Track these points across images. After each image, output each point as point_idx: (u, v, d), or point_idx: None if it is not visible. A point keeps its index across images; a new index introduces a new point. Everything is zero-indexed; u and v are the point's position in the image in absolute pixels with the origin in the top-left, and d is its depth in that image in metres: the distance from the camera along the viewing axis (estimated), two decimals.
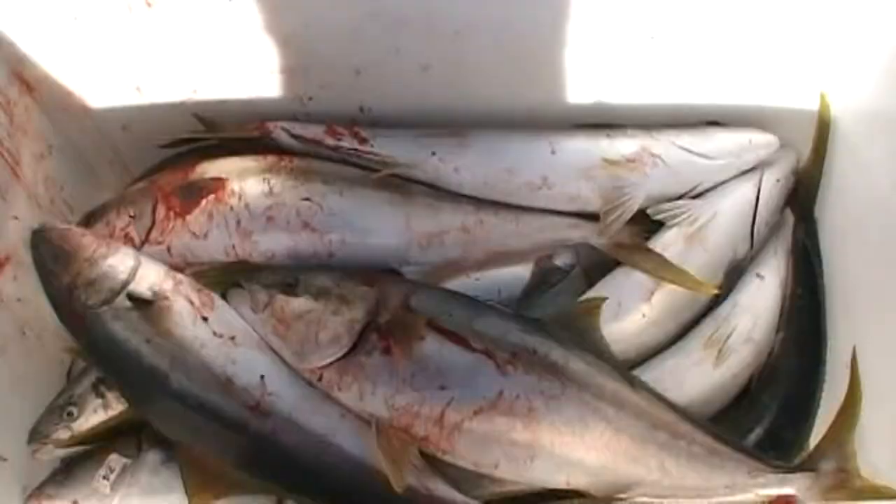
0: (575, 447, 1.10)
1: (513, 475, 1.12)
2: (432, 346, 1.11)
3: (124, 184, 1.41)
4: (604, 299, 1.22)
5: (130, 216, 1.26)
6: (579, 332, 1.19)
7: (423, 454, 1.13)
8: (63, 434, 1.24)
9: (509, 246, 1.32)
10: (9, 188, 1.24)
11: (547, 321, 1.19)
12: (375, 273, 1.23)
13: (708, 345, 1.28)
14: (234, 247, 1.24)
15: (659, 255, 1.30)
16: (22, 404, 1.25)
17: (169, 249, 1.24)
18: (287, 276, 1.18)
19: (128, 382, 1.17)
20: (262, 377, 1.14)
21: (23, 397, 1.25)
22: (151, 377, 1.13)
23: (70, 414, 1.24)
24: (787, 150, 1.41)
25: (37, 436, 1.24)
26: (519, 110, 1.35)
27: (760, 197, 1.37)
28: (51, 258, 1.17)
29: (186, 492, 1.12)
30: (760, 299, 1.33)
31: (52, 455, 1.25)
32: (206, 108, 1.35)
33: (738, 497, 1.16)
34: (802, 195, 1.41)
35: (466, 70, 1.31)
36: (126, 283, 1.15)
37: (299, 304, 1.15)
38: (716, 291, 1.31)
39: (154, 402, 1.15)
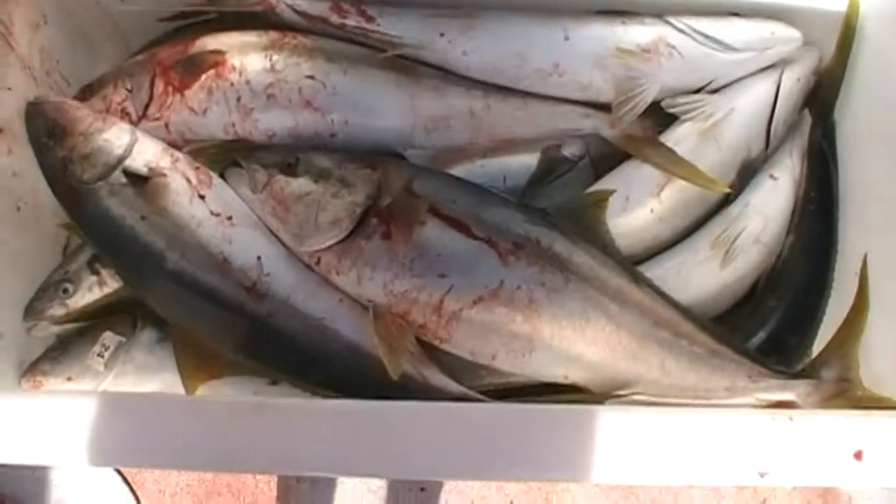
0: (575, 341, 1.09)
1: (510, 367, 1.11)
2: (433, 232, 1.09)
3: (123, 58, 1.36)
4: (611, 192, 1.19)
5: (128, 90, 1.22)
6: (585, 224, 1.16)
7: (420, 342, 1.11)
8: (58, 311, 1.23)
9: (517, 133, 1.27)
10: (2, 58, 1.20)
11: (552, 212, 1.16)
12: (378, 156, 1.20)
13: (716, 244, 1.25)
14: (233, 124, 1.21)
15: (670, 150, 1.26)
16: (17, 280, 1.23)
17: (167, 126, 1.21)
18: (287, 156, 1.15)
19: (122, 260, 1.15)
20: (259, 258, 1.12)
21: (18, 273, 1.23)
22: (146, 255, 1.11)
23: (65, 291, 1.23)
24: (810, 48, 1.35)
25: (32, 312, 1.23)
26: None
27: (779, 95, 1.32)
28: (45, 131, 1.15)
29: (181, 372, 1.11)
30: (772, 201, 1.29)
31: (47, 331, 1.24)
32: None
33: (738, 400, 1.15)
34: (822, 96, 1.36)
35: None
36: (122, 159, 1.13)
37: (299, 185, 1.12)
38: (727, 190, 1.27)
39: (149, 280, 1.13)
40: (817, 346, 1.23)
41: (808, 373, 1.17)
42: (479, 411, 0.99)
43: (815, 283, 1.28)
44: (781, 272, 1.29)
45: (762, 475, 0.90)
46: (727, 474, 0.91)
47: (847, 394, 1.14)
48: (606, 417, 0.93)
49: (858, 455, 0.91)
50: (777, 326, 1.26)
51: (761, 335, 1.25)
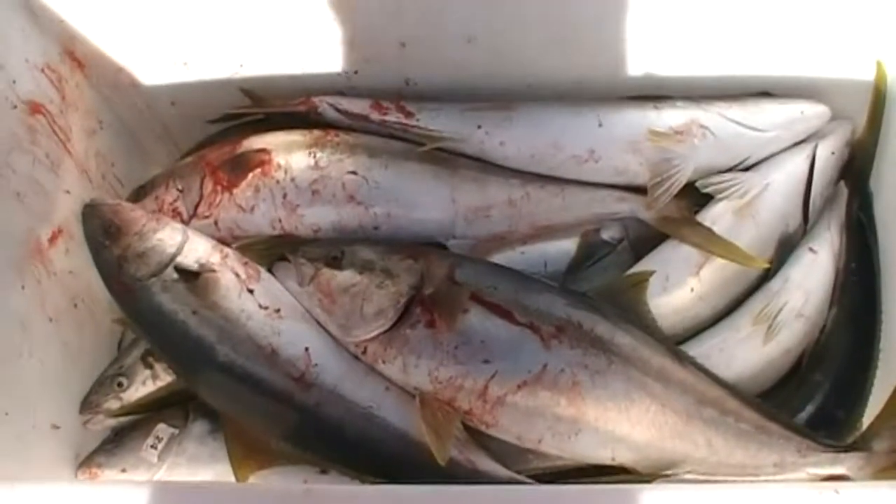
0: (620, 422, 1.09)
1: (557, 450, 1.11)
2: (476, 318, 1.11)
3: (173, 159, 1.44)
4: (651, 273, 1.20)
5: (179, 190, 1.28)
6: (626, 306, 1.18)
7: (466, 427, 1.12)
8: (113, 404, 1.27)
9: (555, 220, 1.30)
10: (60, 163, 1.26)
11: (593, 295, 1.18)
12: (421, 246, 1.23)
13: (757, 321, 1.25)
14: (280, 220, 1.25)
15: (707, 229, 1.27)
16: (74, 375, 1.27)
17: (216, 223, 1.26)
18: (332, 249, 1.19)
19: (174, 354, 1.19)
20: (306, 349, 1.15)
21: (75, 368, 1.27)
22: (198, 348, 1.15)
23: (120, 384, 1.27)
24: (842, 121, 1.37)
25: (88, 405, 1.27)
26: (565, 82, 1.33)
27: (814, 169, 1.33)
28: (101, 232, 1.21)
29: (232, 462, 1.14)
30: (813, 274, 1.30)
31: (102, 425, 1.28)
32: (253, 83, 1.35)
33: (788, 476, 1.14)
34: (857, 167, 1.37)
35: (512, 42, 1.28)
36: (174, 256, 1.18)
37: (344, 277, 1.16)
38: (766, 266, 1.28)
39: (200, 373, 1.17)
40: (867, 419, 1.22)
41: (859, 445, 1.16)
42: (532, 493, 1.00)
43: (861, 355, 1.27)
44: (826, 345, 1.29)
45: None
46: None
47: None
48: (654, 496, 0.91)
49: None
50: (824, 400, 1.25)
51: (809, 410, 1.24)
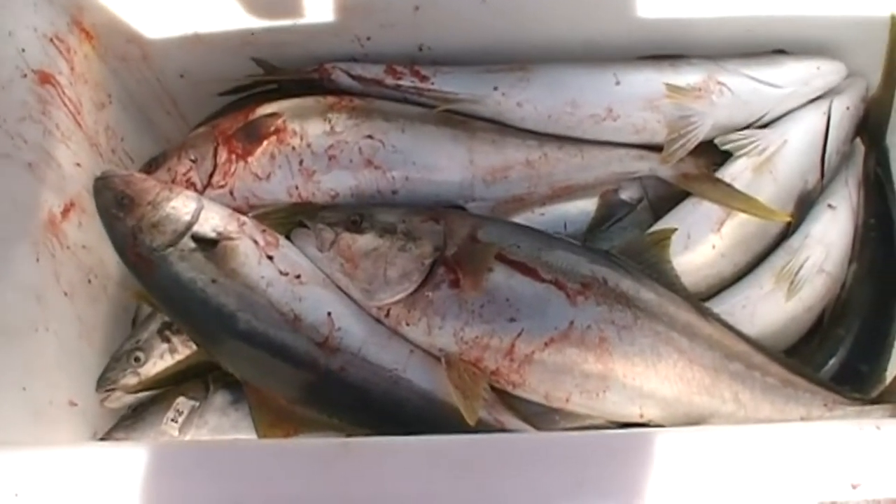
0: (648, 378, 1.09)
1: (585, 408, 1.11)
2: (501, 277, 1.10)
3: (182, 135, 1.41)
4: (673, 230, 1.20)
5: (192, 160, 1.25)
6: (649, 264, 1.17)
7: (493, 389, 1.11)
8: (131, 380, 1.25)
9: (574, 180, 1.29)
10: (72, 136, 1.25)
11: (616, 253, 1.17)
12: (441, 208, 1.22)
13: (779, 277, 1.25)
14: (296, 187, 1.23)
15: (728, 185, 1.27)
16: (91, 351, 1.26)
17: (231, 192, 1.24)
18: (352, 213, 1.17)
19: (195, 324, 1.17)
20: (329, 314, 1.13)
21: (90, 344, 1.26)
22: (218, 317, 1.13)
23: (137, 359, 1.26)
24: (857, 78, 1.37)
25: (105, 382, 1.25)
26: (580, 42, 1.33)
27: (830, 125, 1.33)
28: (114, 203, 1.18)
29: (257, 430, 1.12)
30: (832, 230, 1.30)
31: (120, 402, 1.26)
32: (264, 52, 1.34)
33: None
34: (873, 123, 1.37)
35: (526, 1, 1.28)
36: (190, 225, 1.16)
37: (366, 241, 1.15)
38: (788, 219, 1.28)
39: (222, 342, 1.14)
40: (891, 371, 1.22)
41: (885, 398, 1.16)
42: (568, 439, 0.98)
43: (883, 309, 1.28)
44: (847, 300, 1.29)
45: (854, 487, 0.87)
46: (818, 488, 0.89)
47: None
48: (692, 438, 0.90)
49: None
50: (848, 355, 1.25)
51: (833, 365, 1.24)
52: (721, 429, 0.98)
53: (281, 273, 1.15)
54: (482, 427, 1.09)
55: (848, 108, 1.35)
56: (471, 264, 1.10)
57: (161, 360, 1.26)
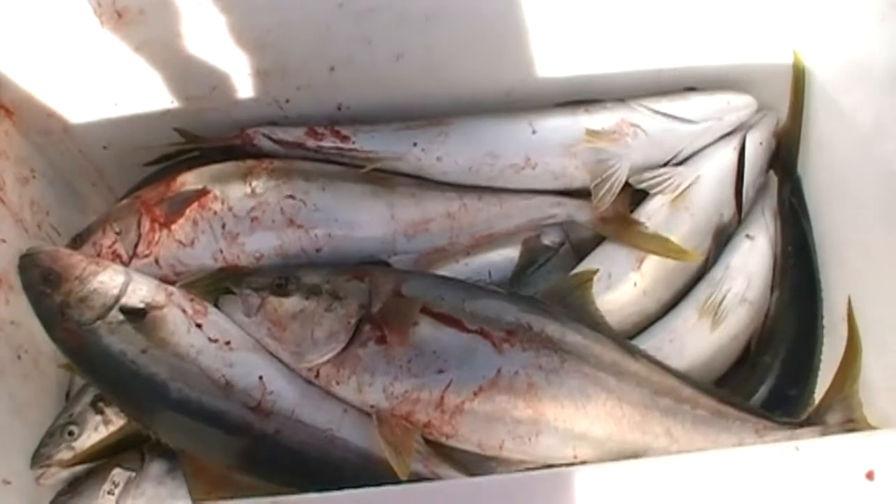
0: (578, 419, 1.10)
1: (519, 453, 1.11)
2: (427, 330, 1.11)
3: (109, 205, 1.41)
4: (594, 271, 1.22)
5: (116, 233, 1.26)
6: (573, 306, 1.19)
7: (428, 441, 1.12)
8: (66, 454, 1.24)
9: (495, 228, 1.32)
10: None
11: (540, 298, 1.19)
12: (365, 266, 1.23)
13: (703, 309, 1.28)
14: (221, 251, 1.24)
15: (640, 226, 1.30)
16: (23, 428, 1.24)
17: (157, 261, 1.24)
18: (277, 277, 1.18)
19: (126, 395, 1.16)
20: (260, 378, 1.13)
21: (22, 420, 1.24)
22: (150, 387, 1.12)
23: (71, 433, 1.24)
24: (768, 112, 1.42)
25: (40, 458, 1.24)
26: (496, 93, 1.36)
27: (744, 159, 1.37)
28: (41, 280, 1.17)
29: (192, 498, 1.11)
30: (752, 260, 1.33)
31: (56, 478, 1.24)
32: (185, 119, 1.35)
33: None
34: (784, 154, 1.41)
35: (440, 56, 1.31)
36: (118, 298, 1.16)
37: (291, 303, 1.15)
38: (700, 258, 1.31)
39: (154, 412, 1.14)
40: (819, 394, 1.24)
41: (814, 420, 1.18)
42: (496, 481, 1.00)
43: (807, 333, 1.31)
44: (772, 328, 1.32)
45: None
46: None
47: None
48: (612, 472, 0.91)
49: (870, 475, 0.89)
50: (776, 381, 1.27)
51: (762, 391, 1.27)
52: (638, 462, 0.99)
53: (210, 340, 1.15)
54: (419, 481, 1.08)
55: (761, 143, 1.39)
56: (396, 320, 1.11)
57: (95, 432, 1.25)
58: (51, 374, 1.30)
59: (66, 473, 1.24)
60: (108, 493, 1.19)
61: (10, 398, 1.22)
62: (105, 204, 1.46)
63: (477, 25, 1.28)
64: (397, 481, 1.03)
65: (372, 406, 1.11)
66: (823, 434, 1.15)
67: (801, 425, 1.17)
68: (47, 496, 1.23)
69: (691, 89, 1.39)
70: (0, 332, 1.22)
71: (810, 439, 1.09)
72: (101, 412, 1.25)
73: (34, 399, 1.28)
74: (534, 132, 1.31)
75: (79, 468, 1.24)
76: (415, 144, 1.30)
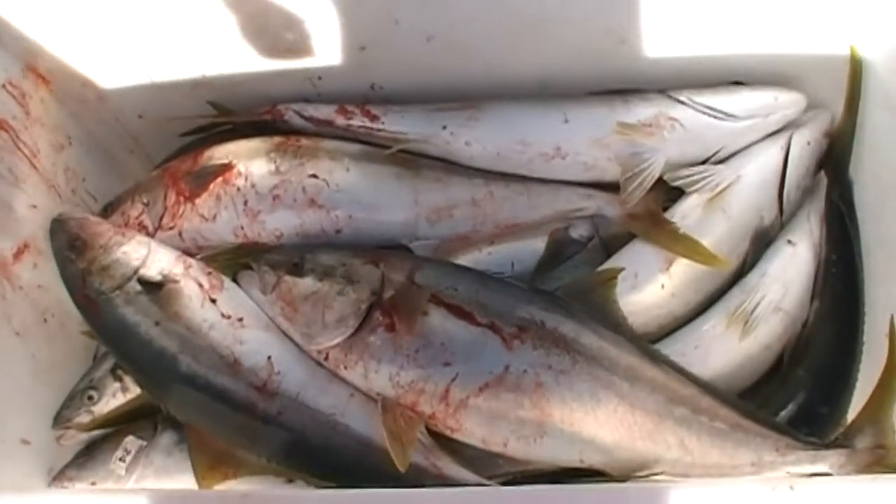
0: (587, 423, 1.07)
1: (523, 453, 1.09)
2: (436, 320, 1.09)
3: (146, 173, 1.42)
4: (619, 270, 1.18)
5: (144, 204, 1.28)
6: (594, 304, 1.15)
7: (432, 433, 1.10)
8: (84, 418, 1.26)
9: (520, 218, 1.28)
10: (27, 179, 1.27)
11: (562, 294, 1.16)
12: (382, 250, 1.22)
13: (733, 317, 1.22)
14: (242, 227, 1.24)
15: (671, 226, 1.24)
16: (47, 390, 1.27)
17: (180, 234, 1.26)
18: (294, 256, 1.18)
19: (138, 365, 1.18)
20: (269, 358, 1.14)
21: (46, 382, 1.27)
22: (161, 360, 1.14)
23: (90, 398, 1.27)
24: (820, 110, 1.34)
25: (60, 420, 1.27)
26: (530, 79, 1.32)
27: (789, 160, 1.30)
28: (67, 245, 1.21)
29: (195, 473, 1.12)
30: (792, 267, 1.26)
31: (75, 439, 1.27)
32: (218, 93, 1.35)
33: (766, 475, 1.10)
34: (836, 156, 1.33)
35: (473, 39, 1.27)
36: (137, 269, 1.18)
37: (305, 284, 1.15)
38: (728, 265, 1.24)
39: (164, 384, 1.16)
40: (852, 414, 1.18)
41: (841, 442, 1.12)
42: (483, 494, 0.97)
43: (844, 349, 1.23)
44: (808, 339, 1.25)
45: None
46: None
47: (884, 461, 1.09)
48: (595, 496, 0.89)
49: None
50: (807, 396, 1.21)
51: (791, 407, 1.20)
52: (626, 488, 0.96)
53: (223, 316, 1.16)
54: (419, 473, 1.08)
55: (809, 143, 1.32)
56: (405, 308, 1.10)
57: (114, 398, 1.27)
58: (78, 339, 1.32)
59: (84, 436, 1.27)
60: (120, 459, 1.22)
61: (32, 360, 1.25)
62: (143, 171, 1.46)
63: (511, 7, 1.23)
64: (398, 471, 1.02)
65: (378, 393, 1.10)
66: (849, 458, 1.09)
67: (827, 447, 1.11)
68: (64, 458, 1.25)
69: (737, 83, 1.32)
70: (25, 297, 1.24)
71: (807, 481, 1.02)
72: (119, 379, 1.27)
73: (59, 362, 1.30)
74: (566, 121, 1.26)
75: (97, 432, 1.27)
76: (444, 127, 1.27)
